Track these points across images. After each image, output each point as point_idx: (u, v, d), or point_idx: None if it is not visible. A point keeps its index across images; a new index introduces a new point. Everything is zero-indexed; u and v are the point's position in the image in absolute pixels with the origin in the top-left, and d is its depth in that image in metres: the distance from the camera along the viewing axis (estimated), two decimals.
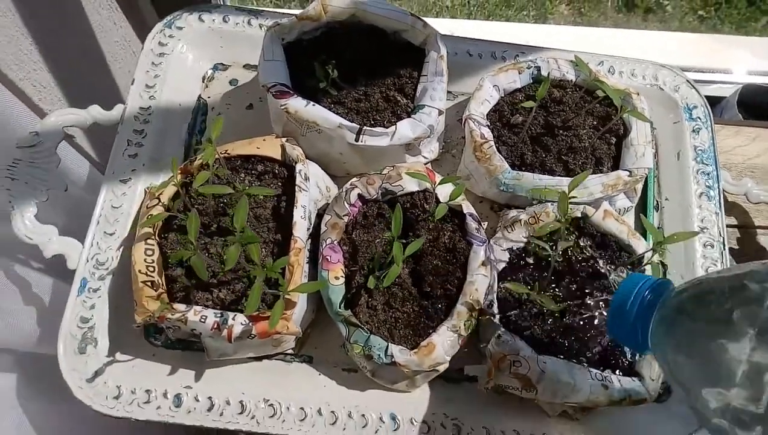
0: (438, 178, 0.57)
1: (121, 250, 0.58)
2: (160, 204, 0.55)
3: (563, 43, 0.72)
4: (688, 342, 0.35)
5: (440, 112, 0.60)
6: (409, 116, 0.60)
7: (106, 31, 0.86)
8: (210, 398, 0.54)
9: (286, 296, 0.49)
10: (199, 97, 0.67)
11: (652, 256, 0.55)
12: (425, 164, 0.64)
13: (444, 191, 0.58)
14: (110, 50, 0.87)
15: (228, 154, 0.58)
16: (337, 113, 0.59)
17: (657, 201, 0.68)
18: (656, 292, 0.40)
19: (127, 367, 0.55)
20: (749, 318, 0.31)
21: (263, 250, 0.55)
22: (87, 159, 0.72)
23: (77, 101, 0.81)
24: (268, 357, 0.57)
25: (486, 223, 0.65)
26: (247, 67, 0.69)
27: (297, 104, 0.57)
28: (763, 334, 0.30)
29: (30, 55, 0.71)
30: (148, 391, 0.54)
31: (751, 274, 0.33)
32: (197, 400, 0.54)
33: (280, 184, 0.58)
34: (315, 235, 0.57)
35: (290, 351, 0.58)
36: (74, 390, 0.53)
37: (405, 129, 0.58)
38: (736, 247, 0.76)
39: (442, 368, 0.53)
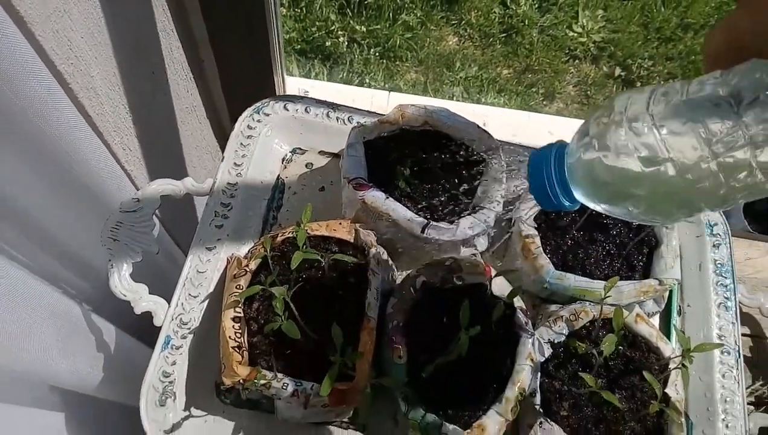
0: (493, 272, 0.64)
1: (202, 311, 0.64)
2: (249, 273, 0.62)
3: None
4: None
5: (497, 215, 0.68)
6: (469, 215, 0.68)
7: (184, 108, 0.95)
8: None
9: (360, 373, 0.55)
10: (278, 176, 0.75)
11: (682, 360, 0.62)
12: (478, 255, 0.71)
13: (498, 282, 0.64)
14: (183, 121, 0.96)
15: (308, 234, 0.65)
16: (406, 206, 0.67)
17: (680, 306, 0.75)
18: (560, 150, 0.44)
19: (200, 421, 0.60)
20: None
21: (335, 324, 0.61)
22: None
23: (153, 163, 0.89)
24: (328, 423, 0.62)
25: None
26: (322, 153, 0.77)
27: (374, 196, 0.65)
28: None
29: (125, 123, 0.79)
30: None
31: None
32: None
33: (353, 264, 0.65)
34: (380, 314, 0.63)
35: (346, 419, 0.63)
36: None
37: (466, 226, 0.66)
38: (749, 354, 0.83)
39: None
